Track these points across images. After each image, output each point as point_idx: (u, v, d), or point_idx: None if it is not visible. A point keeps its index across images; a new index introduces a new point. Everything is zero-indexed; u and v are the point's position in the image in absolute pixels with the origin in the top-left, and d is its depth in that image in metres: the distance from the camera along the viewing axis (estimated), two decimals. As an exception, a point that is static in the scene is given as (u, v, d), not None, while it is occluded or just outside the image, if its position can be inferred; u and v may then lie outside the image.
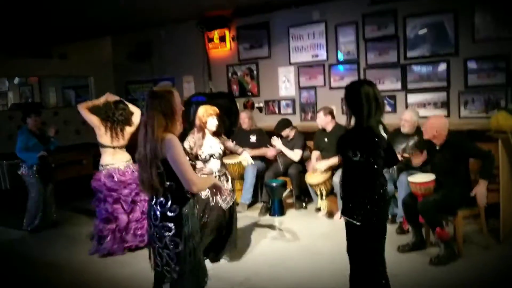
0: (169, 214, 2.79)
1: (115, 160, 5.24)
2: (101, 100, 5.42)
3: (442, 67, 6.16)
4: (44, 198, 6.25)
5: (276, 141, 6.67)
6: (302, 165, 6.65)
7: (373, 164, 3.12)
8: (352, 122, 3.25)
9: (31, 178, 6.13)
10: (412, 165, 5.13)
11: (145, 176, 2.78)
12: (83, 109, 5.26)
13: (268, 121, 7.66)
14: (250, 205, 6.84)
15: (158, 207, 2.81)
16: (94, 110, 5.31)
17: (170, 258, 2.81)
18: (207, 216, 4.53)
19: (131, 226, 5.19)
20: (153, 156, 2.72)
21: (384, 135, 3.15)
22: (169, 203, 2.79)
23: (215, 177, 4.57)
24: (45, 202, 6.28)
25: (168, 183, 2.78)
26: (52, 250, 5.49)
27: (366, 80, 3.38)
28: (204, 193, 4.43)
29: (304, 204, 6.72)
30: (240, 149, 5.01)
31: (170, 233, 2.79)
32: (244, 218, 6.35)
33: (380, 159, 3.13)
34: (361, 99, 3.15)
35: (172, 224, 2.79)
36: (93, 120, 5.23)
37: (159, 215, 2.80)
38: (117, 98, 5.47)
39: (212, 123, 4.64)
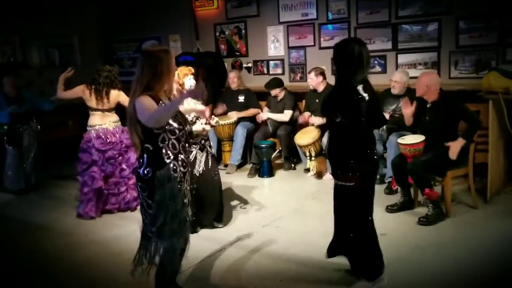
0: (142, 175, 2.81)
1: (104, 121, 5.16)
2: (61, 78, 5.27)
3: (434, 26, 6.07)
4: (20, 161, 6.18)
5: (265, 114, 6.62)
6: (291, 126, 6.62)
7: (353, 124, 3.08)
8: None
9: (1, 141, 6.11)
10: (402, 126, 5.13)
11: (129, 135, 2.83)
12: (63, 94, 5.21)
13: (257, 81, 7.56)
14: (240, 166, 6.83)
15: (139, 166, 2.84)
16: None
17: (145, 217, 2.89)
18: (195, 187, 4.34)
19: (110, 189, 5.17)
20: (131, 115, 2.75)
21: (365, 95, 3.06)
22: (145, 164, 2.81)
23: (201, 141, 4.45)
24: (21, 164, 6.21)
25: (145, 145, 2.80)
26: (40, 212, 5.45)
27: (355, 38, 3.30)
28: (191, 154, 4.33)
29: (293, 165, 6.73)
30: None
31: (144, 194, 2.84)
32: (233, 179, 6.36)
33: (361, 119, 3.08)
34: (345, 57, 3.11)
35: (145, 185, 2.82)
36: (76, 92, 5.16)
37: (137, 175, 2.85)
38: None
39: (190, 84, 4.38)
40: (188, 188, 3.02)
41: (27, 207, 5.65)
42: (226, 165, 6.87)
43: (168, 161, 2.80)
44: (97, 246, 4.38)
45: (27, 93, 6.28)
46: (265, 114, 6.67)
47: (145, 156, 2.79)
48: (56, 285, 3.72)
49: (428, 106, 4.63)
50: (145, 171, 2.78)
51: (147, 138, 2.77)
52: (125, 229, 4.67)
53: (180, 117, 2.89)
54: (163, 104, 2.77)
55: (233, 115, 6.84)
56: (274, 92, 6.63)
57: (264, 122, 6.74)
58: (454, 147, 4.43)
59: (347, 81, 3.11)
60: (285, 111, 6.56)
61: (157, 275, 3.02)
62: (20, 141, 6.19)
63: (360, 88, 3.07)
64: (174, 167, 2.82)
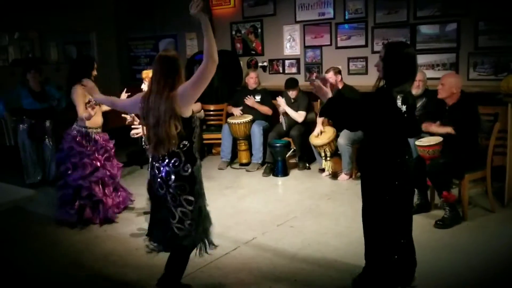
0: (183, 173, 2.93)
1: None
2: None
3: (452, 27, 6.03)
4: (40, 156, 6.31)
5: (281, 101, 6.59)
6: (305, 126, 6.60)
7: (381, 135, 3.01)
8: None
9: (22, 135, 6.21)
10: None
11: (160, 136, 2.86)
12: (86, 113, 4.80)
13: (272, 81, 7.57)
14: (255, 165, 6.84)
15: (172, 168, 2.93)
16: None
17: (184, 215, 2.96)
18: None
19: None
20: (171, 115, 2.84)
21: (403, 107, 2.94)
22: (183, 163, 2.93)
23: None
24: (43, 159, 6.34)
25: (184, 142, 2.93)
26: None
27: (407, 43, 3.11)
28: None
29: (307, 164, 6.72)
30: None
31: (185, 192, 2.94)
32: (248, 178, 6.38)
33: (386, 131, 2.99)
34: (402, 64, 2.93)
35: (186, 183, 2.93)
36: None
37: (173, 176, 2.93)
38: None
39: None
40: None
41: (48, 201, 5.66)
42: (241, 164, 6.89)
43: (197, 156, 3.02)
44: (115, 241, 4.43)
45: (50, 89, 6.39)
46: (281, 102, 6.57)
47: (182, 155, 2.93)
48: (72, 278, 3.75)
49: (447, 108, 4.60)
50: (185, 169, 2.93)
51: (186, 135, 2.92)
52: (144, 226, 4.69)
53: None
54: None
55: (250, 103, 6.94)
56: (292, 93, 6.61)
57: (279, 116, 6.72)
58: (435, 128, 4.56)
59: (389, 90, 2.95)
60: (300, 112, 6.53)
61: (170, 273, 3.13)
62: (42, 135, 6.29)
63: (399, 99, 2.92)
64: (200, 164, 3.06)
